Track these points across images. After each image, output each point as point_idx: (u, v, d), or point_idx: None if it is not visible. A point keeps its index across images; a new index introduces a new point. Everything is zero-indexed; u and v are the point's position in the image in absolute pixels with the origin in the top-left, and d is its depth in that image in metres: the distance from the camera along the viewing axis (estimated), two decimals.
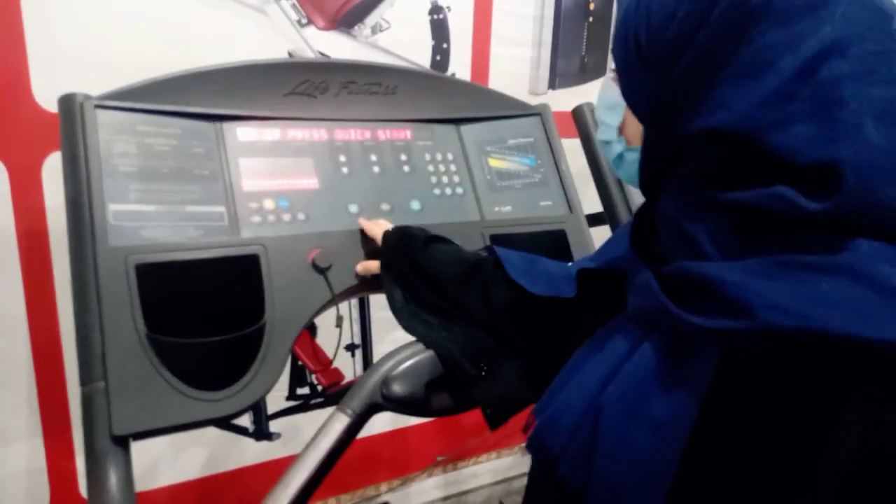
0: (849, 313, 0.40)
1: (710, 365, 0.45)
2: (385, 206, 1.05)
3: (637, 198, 1.22)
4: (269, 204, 0.96)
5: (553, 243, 1.12)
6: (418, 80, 1.16)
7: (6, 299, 1.29)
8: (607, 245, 0.73)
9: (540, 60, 1.83)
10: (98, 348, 0.78)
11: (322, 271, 0.93)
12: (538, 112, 1.23)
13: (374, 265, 0.94)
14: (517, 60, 1.81)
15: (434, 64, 1.67)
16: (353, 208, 1.02)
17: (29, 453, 1.38)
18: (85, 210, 0.83)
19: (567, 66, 1.86)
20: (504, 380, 0.76)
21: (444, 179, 1.12)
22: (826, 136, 0.43)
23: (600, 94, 0.64)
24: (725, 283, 0.44)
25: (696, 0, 0.48)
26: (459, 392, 0.85)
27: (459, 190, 1.13)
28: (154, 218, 0.87)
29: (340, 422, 0.79)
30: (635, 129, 0.58)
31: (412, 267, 0.88)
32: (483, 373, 0.77)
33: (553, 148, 1.21)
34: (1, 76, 1.21)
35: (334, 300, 0.95)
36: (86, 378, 0.78)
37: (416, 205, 1.08)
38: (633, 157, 0.60)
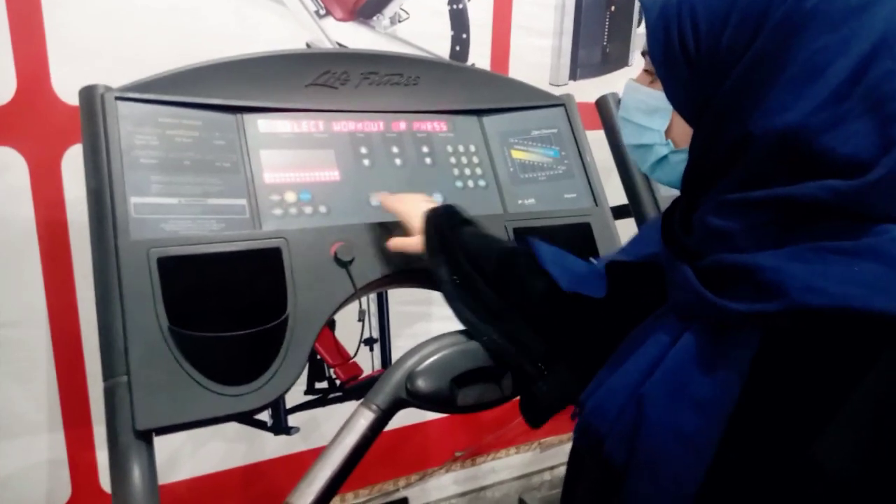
0: (874, 290, 0.44)
1: (751, 347, 0.48)
2: None
3: (663, 190, 1.19)
4: (290, 196, 0.95)
5: (578, 237, 1.10)
6: (440, 71, 1.14)
7: (27, 291, 1.29)
8: (635, 241, 0.73)
9: (561, 50, 1.79)
10: (120, 342, 0.78)
11: (344, 265, 0.92)
12: (562, 103, 1.20)
13: (410, 243, 0.89)
14: (537, 50, 1.77)
15: (453, 54, 1.65)
16: (375, 201, 1.01)
17: (50, 445, 1.38)
18: (107, 203, 0.82)
19: (588, 56, 1.83)
20: (561, 378, 0.76)
21: (467, 172, 1.11)
22: (876, 129, 0.46)
23: (632, 97, 0.63)
24: (762, 268, 0.47)
25: (749, 6, 0.49)
26: (485, 388, 0.84)
27: (482, 182, 1.11)
28: (176, 211, 0.86)
29: (365, 417, 0.78)
30: (685, 131, 0.58)
31: (462, 251, 0.84)
32: (543, 371, 0.77)
33: (577, 139, 1.18)
34: (21, 69, 1.21)
35: (356, 294, 0.94)
36: (108, 372, 0.77)
37: (438, 197, 1.06)
38: (678, 159, 0.60)
